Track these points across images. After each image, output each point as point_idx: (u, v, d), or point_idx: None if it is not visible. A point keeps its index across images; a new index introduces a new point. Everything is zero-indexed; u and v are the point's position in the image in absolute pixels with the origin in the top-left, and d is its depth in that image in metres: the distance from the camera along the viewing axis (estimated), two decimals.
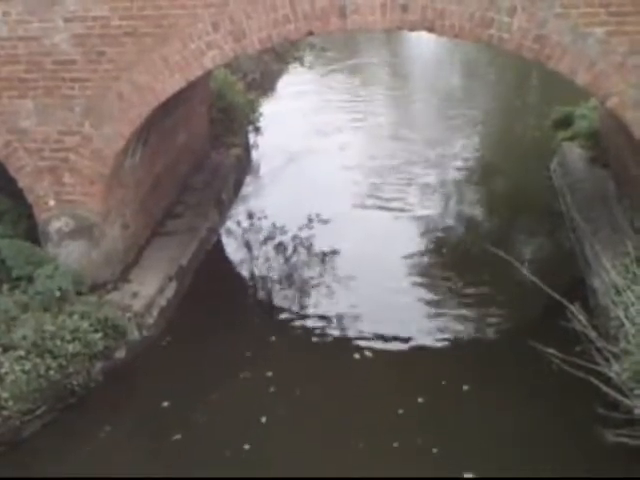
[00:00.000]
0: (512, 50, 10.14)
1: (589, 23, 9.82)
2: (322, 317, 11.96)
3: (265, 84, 22.59)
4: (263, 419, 9.80)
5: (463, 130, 19.53)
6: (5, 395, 9.43)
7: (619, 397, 7.81)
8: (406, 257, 13.56)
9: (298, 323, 11.92)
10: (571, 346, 7.88)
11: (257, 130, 18.64)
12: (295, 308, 12.33)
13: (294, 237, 14.50)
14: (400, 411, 9.84)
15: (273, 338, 11.54)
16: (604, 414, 7.74)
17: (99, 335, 10.53)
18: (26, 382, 9.67)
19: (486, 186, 16.73)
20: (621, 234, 11.86)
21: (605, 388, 7.77)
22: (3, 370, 9.67)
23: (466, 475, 8.89)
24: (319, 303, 12.40)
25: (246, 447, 9.37)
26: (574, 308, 7.91)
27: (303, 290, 12.88)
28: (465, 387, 10.17)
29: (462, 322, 11.75)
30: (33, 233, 11.81)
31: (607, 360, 7.86)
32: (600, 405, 7.81)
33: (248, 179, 17.10)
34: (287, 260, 13.87)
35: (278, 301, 12.65)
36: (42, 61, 10.96)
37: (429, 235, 14.46)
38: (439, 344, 11.24)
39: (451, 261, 13.61)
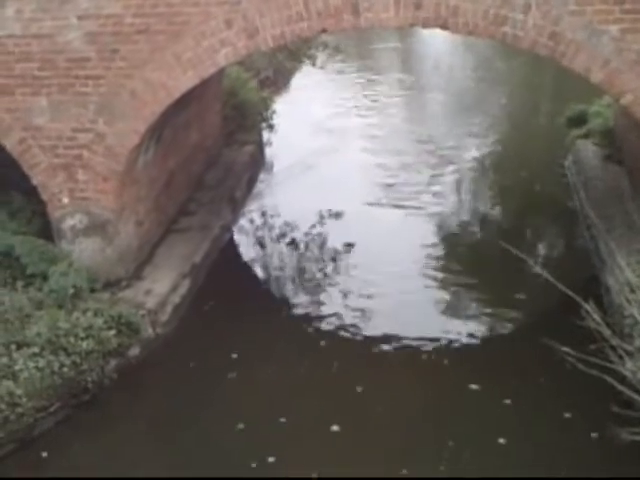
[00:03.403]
0: (526, 47, 10.09)
1: (604, 20, 9.77)
2: (335, 314, 11.95)
3: (278, 82, 22.60)
4: (282, 419, 9.78)
5: (477, 128, 19.50)
6: (19, 392, 9.46)
7: (634, 395, 7.78)
8: (419, 254, 13.55)
9: (311, 320, 11.92)
10: (585, 344, 7.84)
11: (270, 127, 18.62)
12: (308, 305, 12.32)
13: (307, 234, 14.51)
14: (411, 412, 9.87)
15: (286, 335, 11.55)
16: (618, 412, 7.72)
17: (113, 332, 10.56)
18: (40, 379, 9.71)
19: (500, 183, 16.70)
20: (636, 231, 11.83)
21: (619, 386, 7.74)
22: (17, 367, 9.71)
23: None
24: (332, 300, 12.39)
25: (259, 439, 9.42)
26: (588, 306, 7.87)
27: (316, 287, 12.87)
28: (477, 385, 10.15)
29: (475, 319, 11.75)
30: (47, 230, 11.85)
31: (621, 358, 7.83)
32: (614, 403, 7.79)
33: (261, 176, 17.11)
34: (300, 257, 13.87)
35: (291, 298, 12.66)
36: (55, 59, 10.99)
37: (442, 231, 14.46)
38: (452, 341, 11.21)
39: (464, 258, 13.59)
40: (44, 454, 9.42)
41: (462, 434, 9.37)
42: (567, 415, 9.50)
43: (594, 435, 9.11)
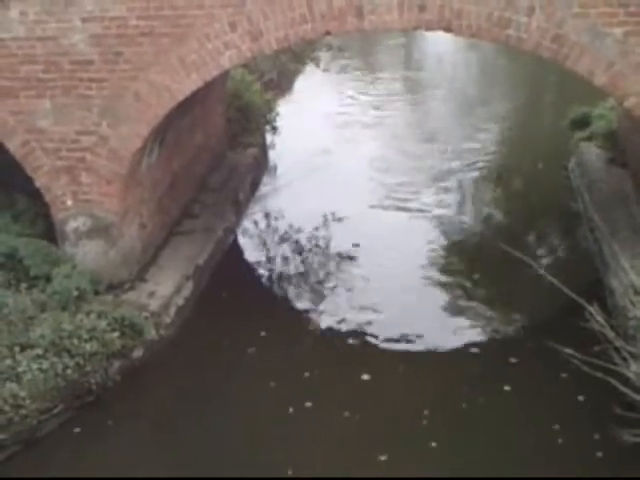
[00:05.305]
0: (530, 50, 10.09)
1: (608, 23, 9.77)
2: (339, 316, 11.95)
3: (282, 84, 22.59)
4: (279, 427, 9.80)
5: (480, 129, 19.48)
6: (23, 394, 9.47)
7: (637, 397, 7.78)
8: (423, 256, 13.55)
9: (315, 319, 11.93)
10: (589, 346, 7.85)
11: (274, 130, 18.60)
12: (312, 308, 12.33)
13: (310, 236, 14.51)
14: (412, 415, 9.88)
15: (290, 337, 11.55)
16: (622, 414, 7.72)
17: (116, 334, 10.56)
18: (43, 381, 9.71)
19: (503, 185, 16.68)
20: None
21: (623, 388, 7.74)
22: (21, 369, 9.72)
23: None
24: (336, 303, 12.38)
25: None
26: (592, 308, 7.87)
27: (320, 290, 12.87)
28: (481, 386, 10.17)
29: (479, 322, 11.74)
30: (51, 232, 11.85)
31: (625, 360, 7.83)
32: (618, 405, 7.79)
33: (265, 179, 17.10)
34: (303, 260, 13.87)
35: (295, 301, 12.66)
36: (60, 61, 10.99)
37: (445, 234, 14.45)
38: (455, 343, 11.22)
39: (468, 260, 13.59)
40: (48, 456, 9.44)
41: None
42: None
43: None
